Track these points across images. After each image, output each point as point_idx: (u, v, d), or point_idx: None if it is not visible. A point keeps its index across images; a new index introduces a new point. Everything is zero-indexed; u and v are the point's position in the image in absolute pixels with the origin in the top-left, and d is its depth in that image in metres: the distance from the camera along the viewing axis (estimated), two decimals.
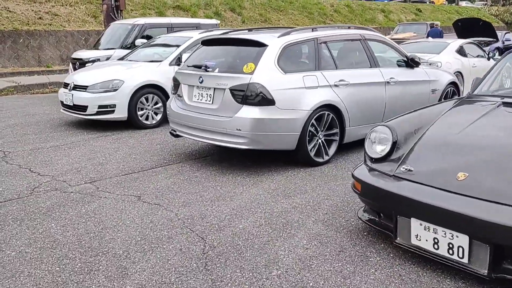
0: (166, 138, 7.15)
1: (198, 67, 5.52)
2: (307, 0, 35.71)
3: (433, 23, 22.08)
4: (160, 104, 8.04)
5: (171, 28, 11.45)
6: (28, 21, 19.10)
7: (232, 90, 5.05)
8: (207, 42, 5.96)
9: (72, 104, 7.82)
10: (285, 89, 5.07)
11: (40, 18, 19.75)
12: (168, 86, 7.99)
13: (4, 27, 18.13)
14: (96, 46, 11.67)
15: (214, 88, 5.29)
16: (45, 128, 8.01)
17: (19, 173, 5.48)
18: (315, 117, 5.28)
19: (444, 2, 53.91)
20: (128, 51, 10.52)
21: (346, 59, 5.88)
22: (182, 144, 6.76)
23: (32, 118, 8.92)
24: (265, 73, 5.01)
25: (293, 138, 5.18)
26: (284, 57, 5.20)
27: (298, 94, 5.14)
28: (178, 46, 8.62)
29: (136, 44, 10.69)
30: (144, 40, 10.73)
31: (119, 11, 13.81)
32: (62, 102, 8.25)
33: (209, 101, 5.35)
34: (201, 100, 5.46)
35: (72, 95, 7.78)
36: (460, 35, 20.29)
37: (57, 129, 7.92)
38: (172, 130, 5.96)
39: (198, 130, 5.45)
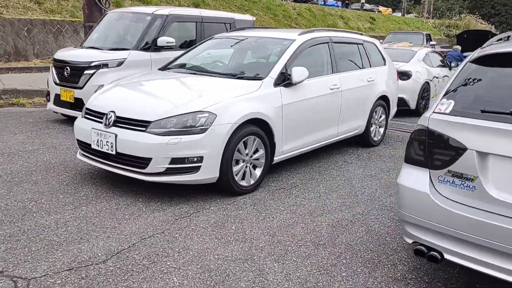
0: (305, 227, 3.89)
1: None
2: (271, 1, 33.38)
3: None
4: (261, 152, 4.70)
5: (201, 23, 8.07)
6: None
7: None
8: (497, 59, 2.80)
9: (113, 152, 4.27)
10: None
11: None
12: (274, 121, 4.69)
13: None
14: (85, 43, 7.92)
15: None
16: (54, 190, 4.38)
17: None
18: None
19: (390, 12, 54.16)
20: (146, 53, 7.04)
21: None
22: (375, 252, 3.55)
23: (12, 163, 5.17)
24: None
25: None
26: None
27: None
28: (262, 52, 5.41)
29: (158, 43, 7.21)
30: (171, 39, 7.27)
31: None
32: (83, 144, 4.64)
33: None
34: None
35: (116, 136, 4.23)
36: (465, 48, 18.50)
37: (79, 191, 4.33)
38: (423, 245, 2.75)
39: None
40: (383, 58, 6.94)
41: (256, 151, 4.65)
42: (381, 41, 22.07)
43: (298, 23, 31.73)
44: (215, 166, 4.24)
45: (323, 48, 5.69)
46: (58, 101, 7.27)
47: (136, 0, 22.39)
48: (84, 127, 4.58)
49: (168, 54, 7.42)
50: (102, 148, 4.36)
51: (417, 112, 9.60)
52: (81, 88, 6.90)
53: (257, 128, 4.57)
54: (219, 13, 9.19)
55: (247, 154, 4.54)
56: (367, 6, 49.55)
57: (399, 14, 53.04)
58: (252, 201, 4.40)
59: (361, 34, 6.80)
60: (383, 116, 6.86)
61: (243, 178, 4.55)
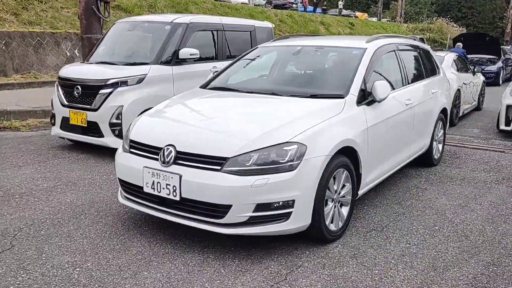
0: None
1: None
2: (253, 8, 32.87)
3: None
4: (348, 187, 3.84)
5: (222, 31, 7.20)
6: None
7: None
8: None
9: (177, 198, 3.34)
10: None
11: None
12: (362, 148, 3.86)
13: None
14: (92, 57, 6.93)
15: None
16: (98, 248, 3.43)
17: None
18: None
19: (366, 17, 54.36)
20: (167, 67, 6.13)
21: None
22: None
23: (30, 208, 4.20)
24: None
25: None
26: None
27: None
28: (327, 64, 4.60)
29: (181, 56, 6.31)
30: (194, 51, 6.38)
31: (104, 4, 9.05)
32: (130, 185, 3.69)
33: None
34: None
35: (180, 177, 3.30)
36: (467, 51, 18.09)
37: (130, 247, 3.40)
38: None
39: None
40: (437, 66, 6.20)
41: (343, 186, 3.79)
42: None
43: (281, 29, 31.17)
44: (308, 211, 3.36)
45: (392, 57, 4.91)
46: (66, 125, 6.28)
47: (118, 9, 21.42)
48: (131, 165, 3.64)
49: (192, 68, 6.57)
50: (159, 192, 3.43)
51: (451, 122, 8.91)
52: (95, 110, 5.94)
53: (346, 158, 3.71)
54: (240, 20, 8.34)
55: (335, 191, 3.68)
56: (343, 11, 49.45)
57: (373, 19, 53.18)
58: (349, 251, 3.53)
59: (414, 39, 6.04)
60: (442, 131, 6.11)
61: (331, 221, 3.68)
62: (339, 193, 3.74)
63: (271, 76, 4.86)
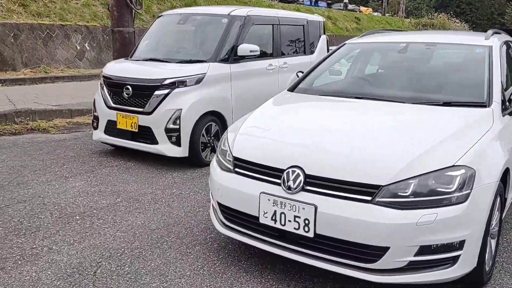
0: None
1: None
2: (260, 2, 32.13)
3: None
4: (497, 216, 3.15)
5: (278, 25, 6.49)
6: None
7: None
8: None
9: (310, 235, 2.63)
10: None
11: None
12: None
13: None
14: (136, 53, 6.19)
15: None
16: None
17: None
18: None
19: (371, 12, 53.79)
20: (225, 65, 5.43)
21: None
22: None
23: (98, 233, 3.51)
24: None
25: None
26: None
27: None
28: (447, 64, 3.90)
29: (239, 53, 5.60)
30: (254, 47, 5.68)
31: None
32: (238, 213, 2.98)
33: None
34: None
35: (316, 209, 2.60)
36: None
37: None
38: None
39: None
40: None
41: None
42: None
43: None
44: (475, 252, 2.68)
45: (508, 57, 4.20)
46: (112, 130, 5.55)
47: None
48: (241, 189, 2.92)
49: (248, 66, 5.89)
50: (284, 225, 2.73)
51: None
52: (149, 113, 5.21)
53: (501, 182, 3.02)
54: (293, 13, 7.62)
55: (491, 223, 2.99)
56: (348, 6, 48.80)
57: (374, 14, 52.55)
58: None
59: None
60: None
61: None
62: (492, 225, 3.04)
63: (377, 78, 4.15)
